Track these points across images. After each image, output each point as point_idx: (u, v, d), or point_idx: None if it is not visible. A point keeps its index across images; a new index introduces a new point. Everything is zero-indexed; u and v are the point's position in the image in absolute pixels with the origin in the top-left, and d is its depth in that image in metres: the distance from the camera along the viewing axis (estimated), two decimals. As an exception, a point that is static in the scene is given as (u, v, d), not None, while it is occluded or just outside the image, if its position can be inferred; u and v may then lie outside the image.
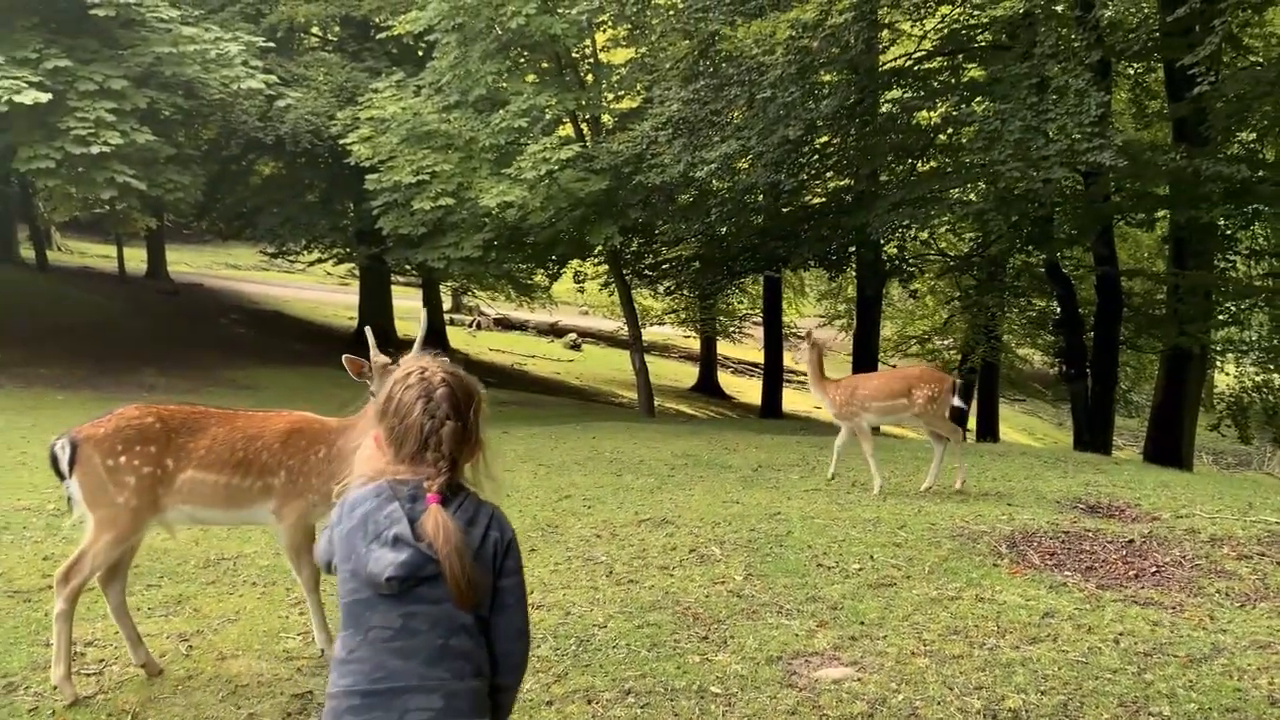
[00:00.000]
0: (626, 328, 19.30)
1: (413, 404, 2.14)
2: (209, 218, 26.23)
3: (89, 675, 4.08)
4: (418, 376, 2.18)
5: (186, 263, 38.92)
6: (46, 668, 4.12)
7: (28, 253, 31.67)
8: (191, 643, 4.48)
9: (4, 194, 23.12)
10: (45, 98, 14.73)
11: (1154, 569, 5.89)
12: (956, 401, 8.24)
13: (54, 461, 3.91)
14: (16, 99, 14.48)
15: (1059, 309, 17.90)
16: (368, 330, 4.31)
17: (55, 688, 3.85)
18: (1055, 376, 21.54)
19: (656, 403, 19.82)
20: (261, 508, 4.17)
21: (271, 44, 19.92)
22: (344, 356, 4.08)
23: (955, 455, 8.49)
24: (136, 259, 34.26)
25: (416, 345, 3.99)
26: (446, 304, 34.43)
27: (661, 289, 24.80)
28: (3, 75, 14.66)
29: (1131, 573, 5.82)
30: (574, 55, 18.00)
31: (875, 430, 8.71)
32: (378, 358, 3.97)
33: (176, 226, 34.32)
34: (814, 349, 8.57)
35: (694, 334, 30.69)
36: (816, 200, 18.88)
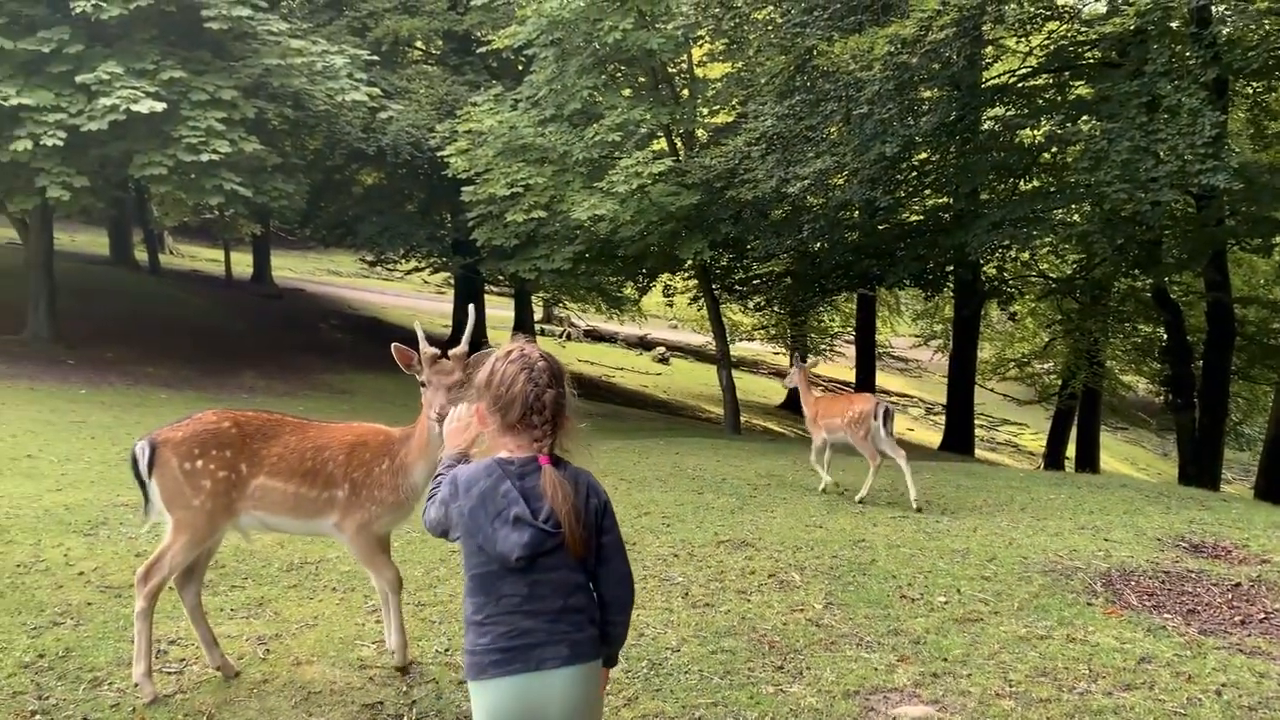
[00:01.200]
0: (715, 343, 19.19)
1: (517, 375, 2.45)
2: (312, 225, 26.96)
3: (170, 674, 4.16)
4: (519, 353, 2.50)
5: (290, 268, 40.12)
6: (131, 664, 4.22)
7: (141, 256, 33.01)
8: (269, 646, 4.54)
9: (120, 199, 24.09)
10: (160, 107, 15.31)
11: (1262, 616, 5.56)
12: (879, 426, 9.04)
13: (134, 463, 4.00)
14: (134, 108, 15.07)
15: (1166, 336, 17.24)
16: (417, 324, 4.29)
17: (136, 685, 3.93)
18: (1161, 405, 20.73)
19: (743, 419, 19.64)
20: (326, 519, 4.19)
21: (376, 57, 20.42)
22: (393, 345, 4.03)
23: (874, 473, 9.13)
24: (243, 264, 35.45)
25: (465, 339, 4.00)
26: (538, 315, 34.77)
27: (751, 304, 24.64)
28: (122, 85, 15.27)
29: (1237, 618, 5.50)
30: (669, 70, 18.03)
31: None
32: (427, 350, 3.92)
33: (281, 233, 35.42)
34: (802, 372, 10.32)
35: (783, 351, 30.39)
36: (913, 218, 18.53)
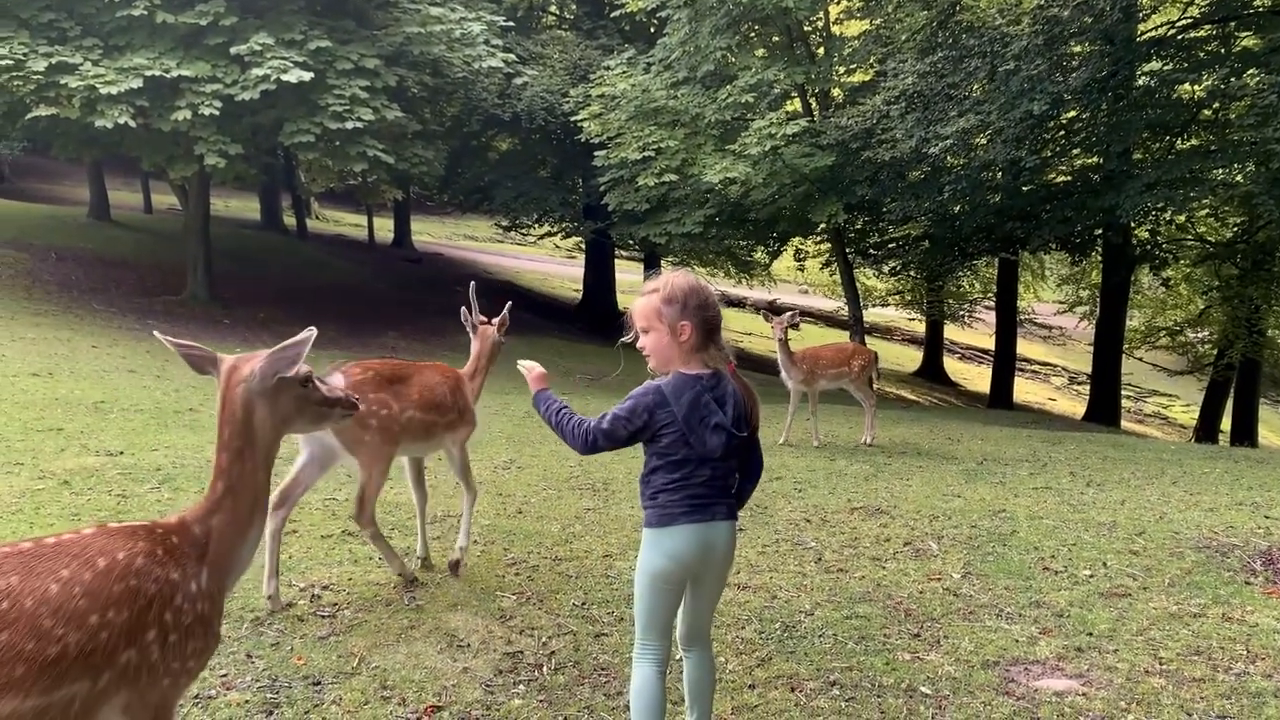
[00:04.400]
0: (847, 308, 18.88)
1: (711, 295, 3.07)
2: (450, 191, 27.61)
3: (323, 617, 4.37)
4: (694, 277, 3.08)
5: (429, 233, 41.22)
6: (289, 605, 4.46)
7: (290, 220, 34.43)
8: (415, 594, 4.72)
9: (271, 166, 25.15)
10: (308, 76, 15.86)
11: None
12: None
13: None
14: (284, 78, 15.67)
15: (1337, 303, 16.10)
16: (472, 285, 5.65)
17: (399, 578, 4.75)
18: (1329, 377, 19.45)
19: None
20: (448, 439, 5.10)
21: (511, 23, 20.67)
22: (461, 310, 5.41)
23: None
24: (384, 228, 36.60)
25: (469, 308, 5.39)
26: (668, 278, 34.80)
27: (886, 269, 24.13)
28: (273, 55, 15.88)
29: None
30: (805, 28, 17.69)
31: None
32: (468, 316, 5.40)
33: (420, 199, 36.39)
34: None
35: (919, 317, 29.68)
36: (1060, 179, 17.77)
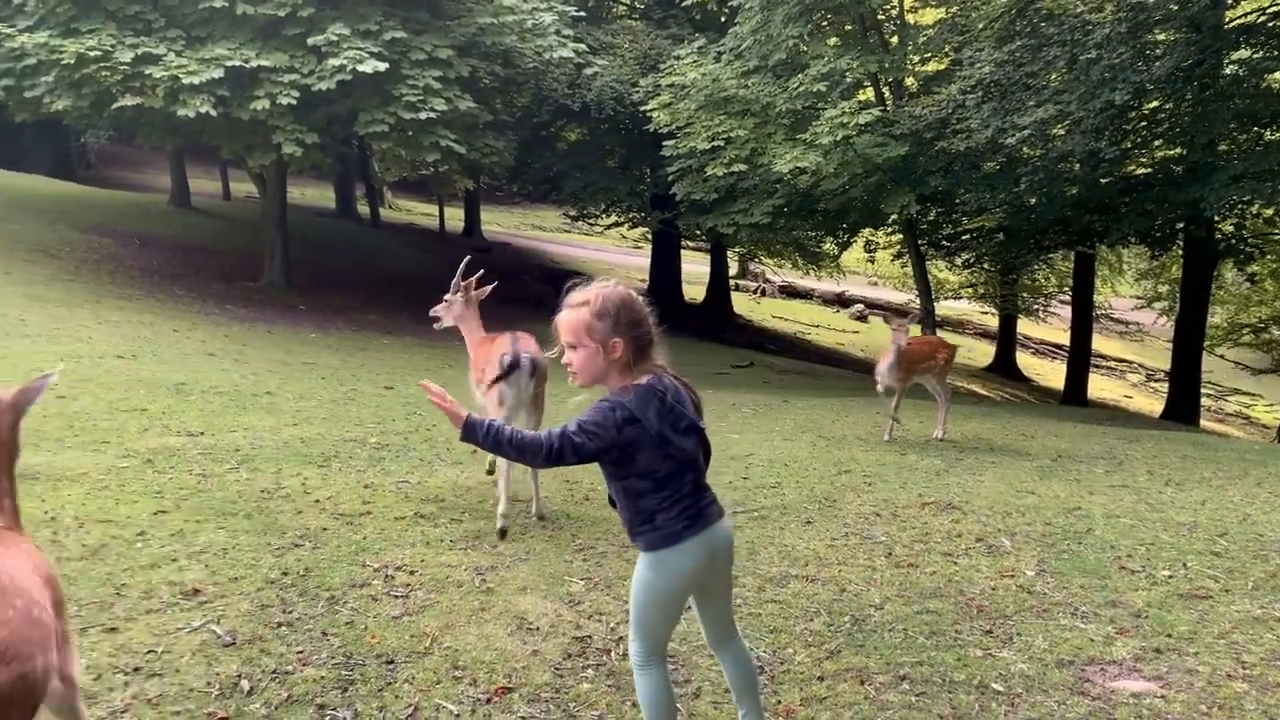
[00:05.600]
0: (918, 300, 18.63)
1: (638, 303, 2.91)
2: (519, 181, 27.80)
3: (396, 597, 4.45)
4: (616, 286, 2.92)
5: (498, 223, 41.59)
6: (364, 585, 4.55)
7: (363, 209, 34.98)
8: (486, 576, 4.78)
9: (345, 155, 25.56)
10: (383, 67, 16.08)
11: None
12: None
13: (529, 368, 5.69)
14: (359, 68, 15.91)
15: None
16: (467, 257, 6.54)
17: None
18: None
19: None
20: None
21: (582, 13, 20.72)
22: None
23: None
24: (455, 218, 37.01)
25: (458, 275, 6.25)
26: (733, 270, 34.70)
27: (959, 261, 23.72)
28: (349, 46, 16.13)
29: None
30: (879, 17, 17.44)
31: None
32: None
33: (490, 189, 36.74)
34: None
35: (992, 311, 29.14)
36: (1141, 171, 17.29)
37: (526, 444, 2.78)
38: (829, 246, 24.93)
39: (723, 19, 22.75)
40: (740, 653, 3.22)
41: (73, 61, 15.53)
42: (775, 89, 15.69)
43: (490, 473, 6.54)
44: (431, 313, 6.50)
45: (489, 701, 3.58)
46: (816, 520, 6.22)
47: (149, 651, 3.73)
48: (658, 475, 2.87)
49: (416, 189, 40.21)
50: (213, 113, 16.11)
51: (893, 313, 9.86)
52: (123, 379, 9.17)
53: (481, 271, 6.49)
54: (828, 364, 24.42)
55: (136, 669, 3.60)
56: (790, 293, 37.02)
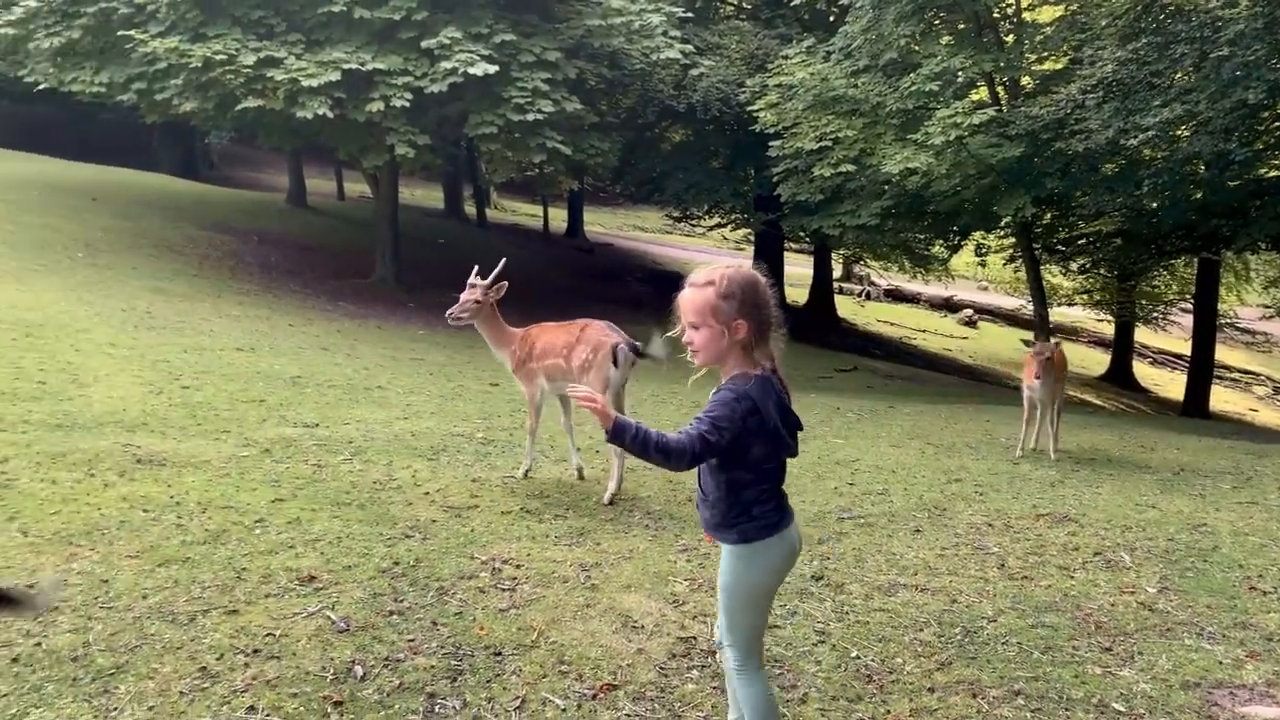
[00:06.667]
0: (1031, 306, 18.09)
1: (768, 289, 2.86)
2: (622, 182, 27.93)
3: (503, 590, 4.50)
4: (762, 278, 2.88)
5: (600, 223, 41.89)
6: (471, 577, 4.61)
7: (470, 209, 35.62)
8: (590, 573, 4.80)
9: (455, 156, 26.05)
10: (493, 69, 16.32)
11: None
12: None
13: (634, 353, 6.13)
14: (470, 71, 16.18)
15: None
16: (503, 260, 6.64)
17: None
18: None
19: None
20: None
21: (690, 14, 20.69)
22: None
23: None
24: (558, 218, 37.38)
25: (493, 275, 6.52)
26: (836, 272, 34.26)
27: (1075, 266, 22.98)
28: (460, 49, 16.43)
29: None
30: (994, 14, 17.00)
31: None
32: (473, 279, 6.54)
33: (594, 190, 37.04)
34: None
35: (1108, 318, 28.14)
36: (1273, 173, 16.46)
37: (671, 449, 2.70)
38: (938, 249, 24.40)
39: (831, 18, 22.50)
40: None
41: (200, 65, 16.17)
42: (885, 88, 15.42)
43: (581, 478, 6.67)
44: (452, 316, 6.58)
45: (594, 698, 3.59)
46: (926, 529, 6.08)
47: (267, 634, 3.84)
48: (765, 467, 2.88)
49: (521, 189, 40.78)
50: (329, 114, 16.58)
51: (1042, 335, 9.38)
52: (243, 371, 9.51)
53: (500, 274, 6.61)
54: (934, 370, 23.91)
55: (256, 651, 3.71)
56: (896, 296, 36.39)
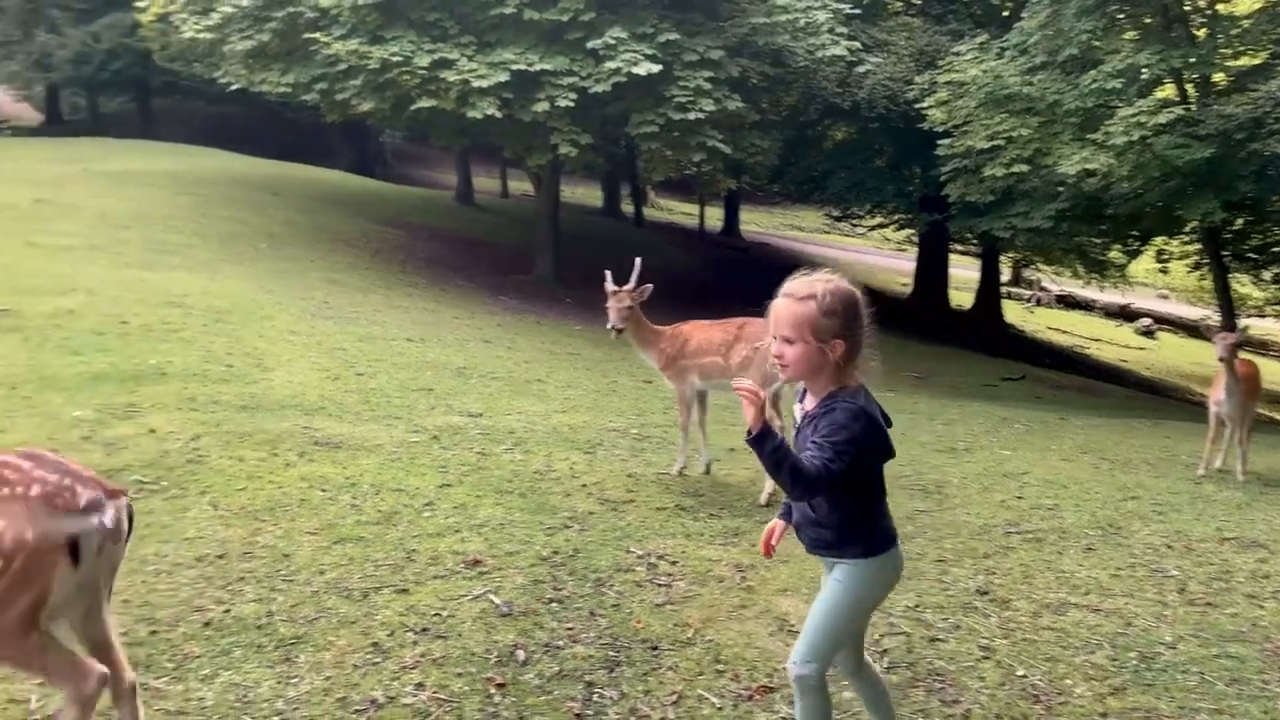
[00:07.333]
0: (1217, 316, 17.00)
1: (864, 305, 2.76)
2: (781, 181, 27.71)
3: (659, 586, 4.53)
4: (859, 292, 2.77)
5: (757, 223, 41.68)
6: (628, 570, 4.67)
7: (627, 208, 36.03)
8: (745, 574, 4.78)
9: (614, 155, 26.39)
10: (656, 69, 16.44)
11: None
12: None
13: None
14: (634, 70, 16.34)
15: None
16: (637, 261, 6.56)
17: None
18: None
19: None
20: None
21: (857, 10, 20.32)
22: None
23: None
24: (714, 217, 37.39)
25: (633, 279, 6.48)
26: (1004, 276, 33.06)
27: (1268, 275, 21.44)
28: (625, 49, 16.61)
29: None
30: (1184, 8, 16.03)
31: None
32: (609, 285, 6.51)
33: (751, 189, 36.87)
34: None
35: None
36: None
37: (801, 475, 2.57)
38: (1115, 255, 23.23)
39: (1006, 13, 21.73)
40: (874, 673, 3.20)
41: (378, 66, 16.89)
42: (1063, 86, 14.78)
43: (707, 472, 6.67)
44: (614, 327, 6.54)
45: (750, 699, 3.57)
46: (1099, 547, 5.78)
47: (435, 614, 3.99)
48: (877, 483, 2.86)
49: (678, 188, 40.98)
50: (498, 114, 17.04)
51: (1222, 328, 8.44)
52: (412, 360, 9.89)
53: (649, 275, 6.61)
54: (1108, 381, 22.75)
55: (424, 629, 3.85)
56: (1068, 303, 34.86)
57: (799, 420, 2.86)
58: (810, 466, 2.58)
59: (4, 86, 39.48)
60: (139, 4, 24.38)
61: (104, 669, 2.63)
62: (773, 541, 3.10)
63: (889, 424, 2.79)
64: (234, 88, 20.08)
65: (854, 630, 3.00)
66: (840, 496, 2.76)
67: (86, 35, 32.26)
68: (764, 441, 2.54)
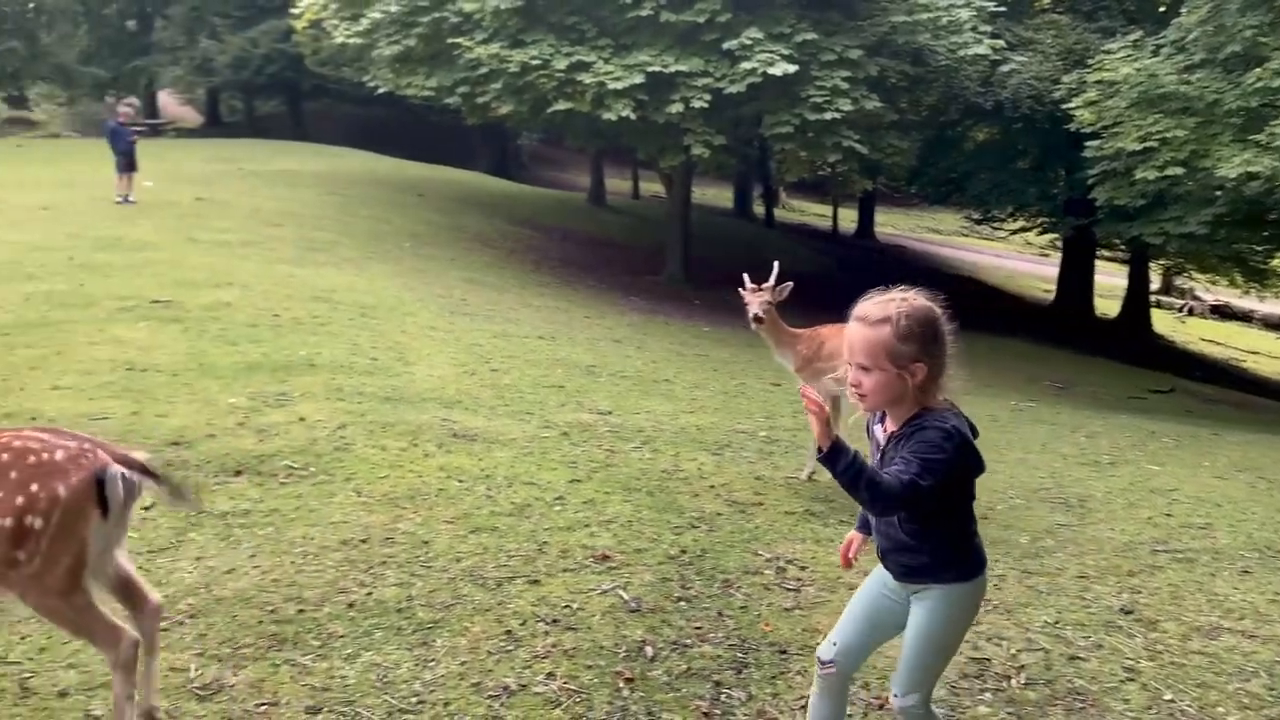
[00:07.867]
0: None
1: (947, 327, 2.62)
2: (918, 182, 27.12)
3: (788, 590, 4.49)
4: (938, 309, 2.62)
5: (892, 225, 40.90)
6: (756, 573, 4.65)
7: (759, 209, 35.85)
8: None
9: (747, 156, 26.28)
10: (792, 69, 16.28)
11: None
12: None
13: None
14: (769, 71, 16.23)
15: None
16: (775, 264, 6.64)
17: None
18: None
19: None
20: None
21: (1002, 8, 19.72)
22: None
23: None
24: (848, 219, 36.85)
25: (773, 278, 6.51)
26: (1154, 284, 31.54)
27: None
28: (760, 49, 16.52)
29: None
30: (1364, -2, 15.01)
31: None
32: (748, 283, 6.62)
33: (888, 190, 36.20)
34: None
35: None
36: None
37: (880, 489, 2.40)
38: (1278, 263, 21.91)
39: (1162, 9, 20.73)
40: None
41: (517, 70, 17.25)
42: (1224, 85, 14.02)
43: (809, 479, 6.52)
44: (755, 317, 6.61)
45: (881, 708, 3.52)
46: (1255, 570, 5.47)
47: (565, 606, 4.06)
48: (967, 503, 2.72)
49: (810, 189, 40.55)
50: (632, 116, 17.18)
51: None
52: (544, 357, 10.07)
53: (780, 276, 6.62)
54: (1268, 397, 21.46)
55: (555, 620, 3.93)
56: (1224, 313, 33.06)
57: (881, 441, 2.70)
58: (894, 481, 2.43)
59: (169, 90, 41.98)
60: (293, 10, 25.54)
61: (135, 635, 2.83)
62: (851, 554, 3.03)
63: (976, 435, 2.67)
64: (381, 91, 20.84)
65: (949, 659, 2.88)
66: (932, 520, 2.62)
67: (245, 41, 34.06)
68: (836, 458, 2.40)
